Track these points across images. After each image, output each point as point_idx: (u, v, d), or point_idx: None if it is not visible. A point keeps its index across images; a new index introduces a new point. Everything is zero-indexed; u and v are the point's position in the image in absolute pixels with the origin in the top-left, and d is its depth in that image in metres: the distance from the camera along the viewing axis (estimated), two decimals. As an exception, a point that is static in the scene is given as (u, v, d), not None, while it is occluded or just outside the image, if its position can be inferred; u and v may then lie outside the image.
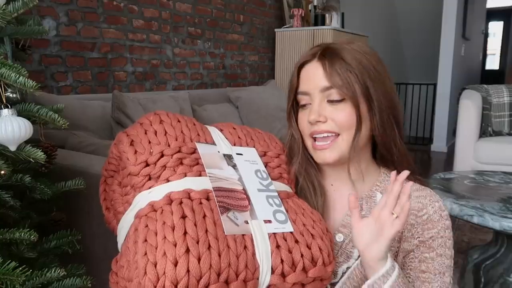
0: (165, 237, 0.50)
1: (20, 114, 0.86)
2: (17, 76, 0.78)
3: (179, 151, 0.61)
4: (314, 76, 0.70)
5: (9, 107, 0.83)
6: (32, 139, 0.88)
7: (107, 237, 1.26)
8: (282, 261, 0.56)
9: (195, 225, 0.52)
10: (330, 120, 0.69)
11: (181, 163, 0.60)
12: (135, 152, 0.60)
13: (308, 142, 0.73)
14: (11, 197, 0.90)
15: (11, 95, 0.90)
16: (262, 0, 3.49)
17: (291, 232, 0.59)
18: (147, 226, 0.52)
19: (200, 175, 0.60)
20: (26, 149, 0.85)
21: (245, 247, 0.55)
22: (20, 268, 0.76)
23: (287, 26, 3.51)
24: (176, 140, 0.62)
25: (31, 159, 0.85)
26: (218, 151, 0.66)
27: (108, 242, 1.25)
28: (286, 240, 0.58)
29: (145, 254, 0.49)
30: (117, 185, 0.66)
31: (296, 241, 0.59)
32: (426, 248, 0.70)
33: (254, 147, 0.72)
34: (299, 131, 0.75)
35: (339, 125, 0.69)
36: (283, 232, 0.59)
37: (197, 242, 0.51)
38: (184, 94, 2.39)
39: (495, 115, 2.82)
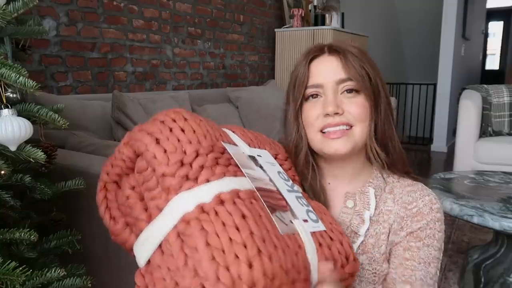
0: (231, 239, 0.47)
1: (20, 114, 0.86)
2: (17, 76, 0.78)
3: (212, 151, 0.57)
4: (329, 69, 0.70)
5: (9, 107, 0.83)
6: (32, 139, 0.88)
7: (107, 237, 1.26)
8: (326, 258, 0.56)
9: (257, 224, 0.50)
10: (347, 112, 0.69)
11: (217, 163, 0.57)
12: (165, 151, 0.55)
13: (315, 135, 0.71)
14: (11, 197, 0.90)
15: (11, 95, 0.90)
16: (262, 0, 3.49)
17: (324, 231, 0.59)
18: (203, 228, 0.48)
19: (236, 176, 0.57)
20: (26, 149, 0.85)
21: (299, 246, 0.53)
22: (20, 268, 0.76)
23: (287, 26, 3.52)
24: (205, 138, 0.58)
25: (31, 159, 0.85)
26: (243, 152, 0.63)
27: (108, 242, 1.25)
28: (324, 238, 0.58)
29: (213, 258, 0.46)
30: (130, 189, 0.60)
31: (331, 239, 0.59)
32: (412, 238, 0.70)
33: (265, 149, 0.70)
34: (304, 128, 0.74)
35: (354, 117, 0.69)
36: (319, 231, 0.58)
37: (264, 242, 0.48)
38: (184, 94, 2.39)
39: (495, 115, 2.82)
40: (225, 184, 0.54)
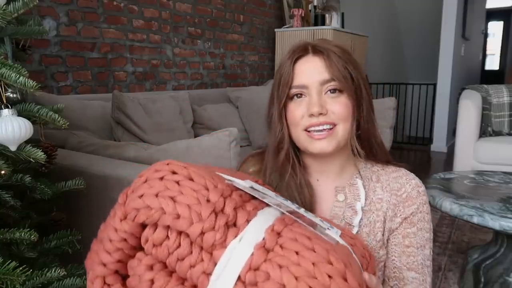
0: (314, 263, 0.45)
1: (20, 114, 0.86)
2: (17, 76, 0.78)
3: (232, 189, 0.52)
4: (313, 69, 0.72)
5: (10, 107, 0.83)
6: (32, 139, 0.88)
7: (107, 237, 1.27)
8: (362, 257, 0.56)
9: (321, 240, 0.48)
10: (331, 112, 0.71)
11: (243, 201, 0.52)
12: (189, 206, 0.48)
13: (300, 134, 0.73)
14: (11, 197, 0.90)
15: (11, 95, 0.90)
16: (262, 0, 3.49)
17: (342, 233, 0.59)
18: (281, 266, 0.44)
19: (263, 208, 0.53)
20: (26, 149, 0.85)
21: (349, 251, 0.53)
22: (20, 268, 0.76)
23: (287, 26, 3.52)
24: (215, 180, 0.52)
25: (31, 159, 0.85)
26: (244, 185, 0.58)
27: (108, 242, 1.25)
28: (347, 239, 0.57)
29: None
30: (149, 270, 0.50)
31: (351, 237, 0.59)
32: (408, 224, 0.75)
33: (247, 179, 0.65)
34: (287, 126, 0.75)
35: (338, 116, 0.71)
36: (341, 234, 0.58)
37: (338, 254, 0.47)
38: (184, 94, 2.39)
39: (495, 115, 2.82)
40: (266, 218, 0.50)
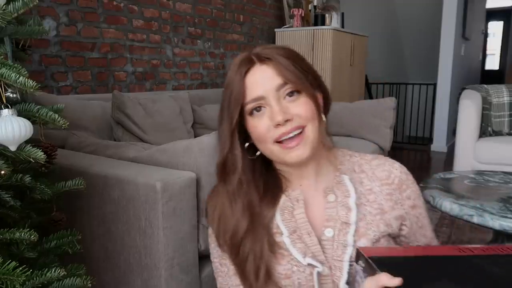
0: None
1: (20, 114, 0.86)
2: (17, 76, 0.78)
3: None
4: (265, 79, 0.69)
5: (9, 107, 0.83)
6: (32, 139, 0.88)
7: (107, 237, 1.27)
8: None
9: None
10: (295, 115, 0.68)
11: None
12: None
13: (273, 148, 0.70)
14: (11, 197, 0.90)
15: (11, 95, 0.90)
16: (262, 0, 3.49)
17: None
18: None
19: None
20: (26, 149, 0.85)
21: None
22: (20, 268, 0.76)
23: (287, 26, 3.52)
24: None
25: (31, 159, 0.85)
26: None
27: (108, 242, 1.25)
28: None
29: None
30: None
31: None
32: (411, 209, 0.77)
33: None
34: (241, 147, 0.72)
35: (304, 118, 0.69)
36: None
37: None
38: (184, 94, 2.39)
39: (495, 115, 2.82)
40: None
